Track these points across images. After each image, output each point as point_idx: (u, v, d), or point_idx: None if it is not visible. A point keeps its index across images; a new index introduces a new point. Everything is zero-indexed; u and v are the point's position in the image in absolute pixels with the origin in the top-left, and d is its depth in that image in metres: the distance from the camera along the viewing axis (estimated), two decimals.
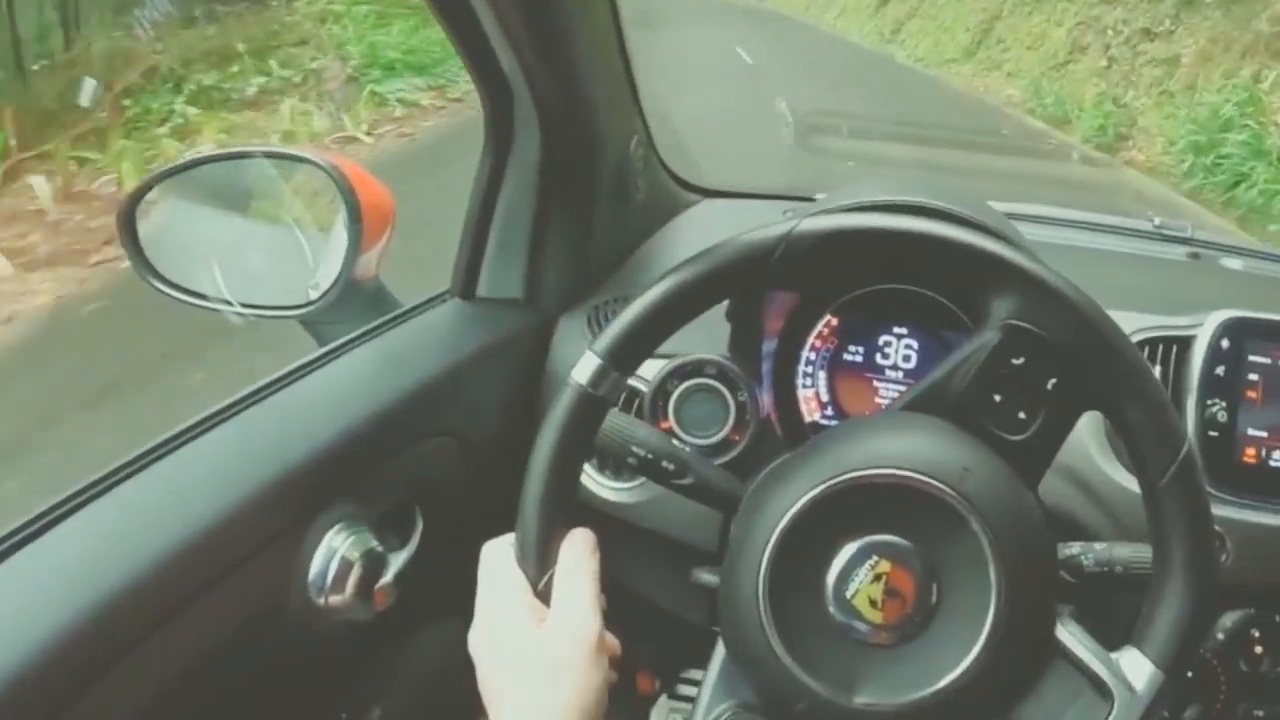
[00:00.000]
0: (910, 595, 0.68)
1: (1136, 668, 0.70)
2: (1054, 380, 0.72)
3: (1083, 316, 0.71)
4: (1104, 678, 0.69)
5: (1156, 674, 0.69)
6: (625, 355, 0.73)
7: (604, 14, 1.02)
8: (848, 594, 0.68)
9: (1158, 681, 0.69)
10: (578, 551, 0.72)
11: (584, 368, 0.72)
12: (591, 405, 0.72)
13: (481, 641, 0.71)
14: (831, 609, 0.68)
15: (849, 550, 0.69)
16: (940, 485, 0.68)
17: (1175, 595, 0.70)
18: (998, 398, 0.74)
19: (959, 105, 10.84)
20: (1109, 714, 0.69)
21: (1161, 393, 0.72)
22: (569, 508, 0.74)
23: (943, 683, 0.67)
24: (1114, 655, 0.70)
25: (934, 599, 0.68)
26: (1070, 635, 0.71)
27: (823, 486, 0.68)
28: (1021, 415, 0.74)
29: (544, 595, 0.72)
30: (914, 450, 0.70)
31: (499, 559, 0.74)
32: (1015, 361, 0.72)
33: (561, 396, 0.72)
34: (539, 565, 0.72)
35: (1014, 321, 0.72)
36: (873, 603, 0.68)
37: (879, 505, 0.69)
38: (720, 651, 0.74)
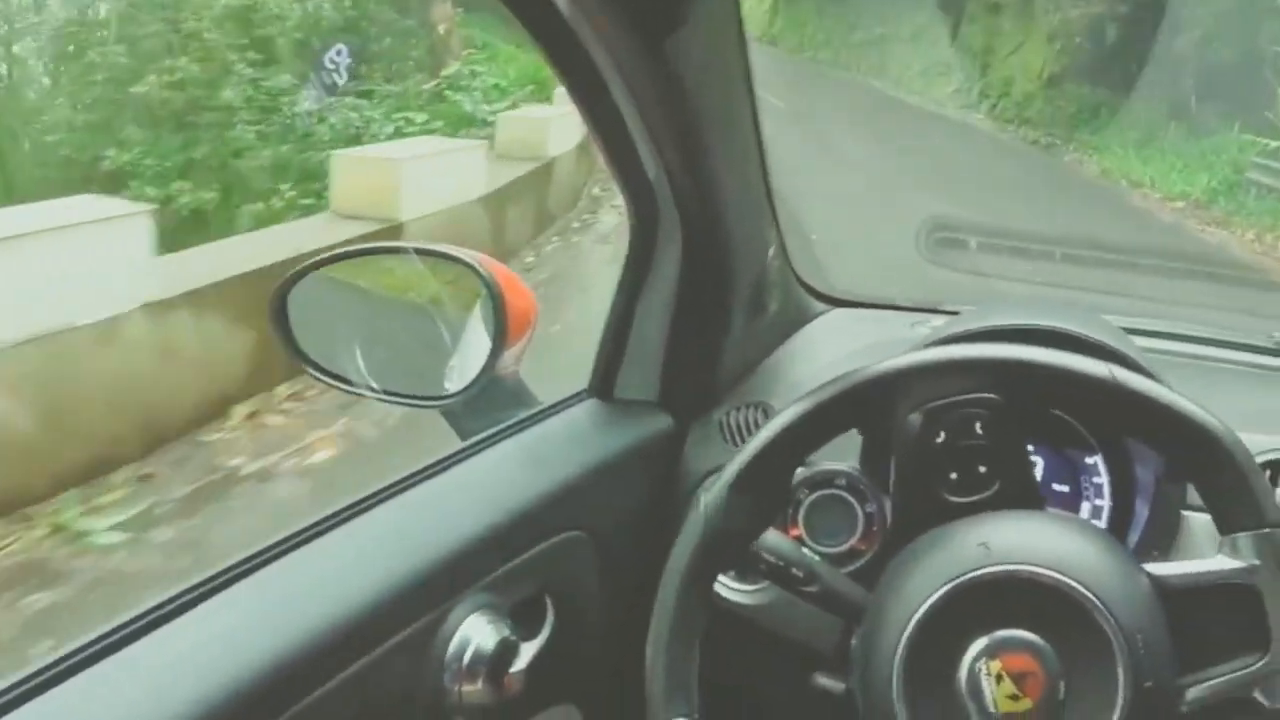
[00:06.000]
0: (1039, 692, 0.76)
1: (1243, 546, 0.78)
2: (979, 425, 0.85)
3: (951, 363, 0.85)
4: (1231, 580, 0.78)
5: (1262, 535, 0.78)
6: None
7: (748, 127, 1.12)
8: (987, 701, 0.77)
9: (1269, 539, 0.78)
10: None
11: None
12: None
13: None
14: (965, 702, 0.77)
15: (982, 642, 0.78)
16: (983, 571, 0.78)
17: (1209, 467, 0.80)
18: (954, 474, 0.86)
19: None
20: (1264, 603, 0.77)
21: (1053, 356, 0.83)
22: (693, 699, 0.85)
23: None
24: (1217, 557, 0.79)
25: (1060, 668, 0.77)
26: (1175, 574, 0.80)
27: (928, 604, 0.79)
28: (981, 470, 0.86)
29: None
30: (944, 559, 0.81)
31: None
32: (939, 439, 0.85)
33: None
34: None
35: (917, 410, 0.85)
36: (1012, 697, 0.76)
37: (1017, 602, 0.78)
38: None
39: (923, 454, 0.86)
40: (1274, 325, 1.46)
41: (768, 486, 0.87)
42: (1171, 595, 0.79)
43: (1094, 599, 0.76)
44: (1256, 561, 0.78)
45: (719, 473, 0.87)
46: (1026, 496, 0.87)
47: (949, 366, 0.84)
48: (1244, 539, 0.79)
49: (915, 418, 0.85)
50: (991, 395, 0.84)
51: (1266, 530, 0.78)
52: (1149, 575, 0.80)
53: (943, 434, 0.85)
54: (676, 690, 0.84)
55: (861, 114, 14.27)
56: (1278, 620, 0.77)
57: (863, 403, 0.86)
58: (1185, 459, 0.82)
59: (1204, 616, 0.79)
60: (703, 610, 0.86)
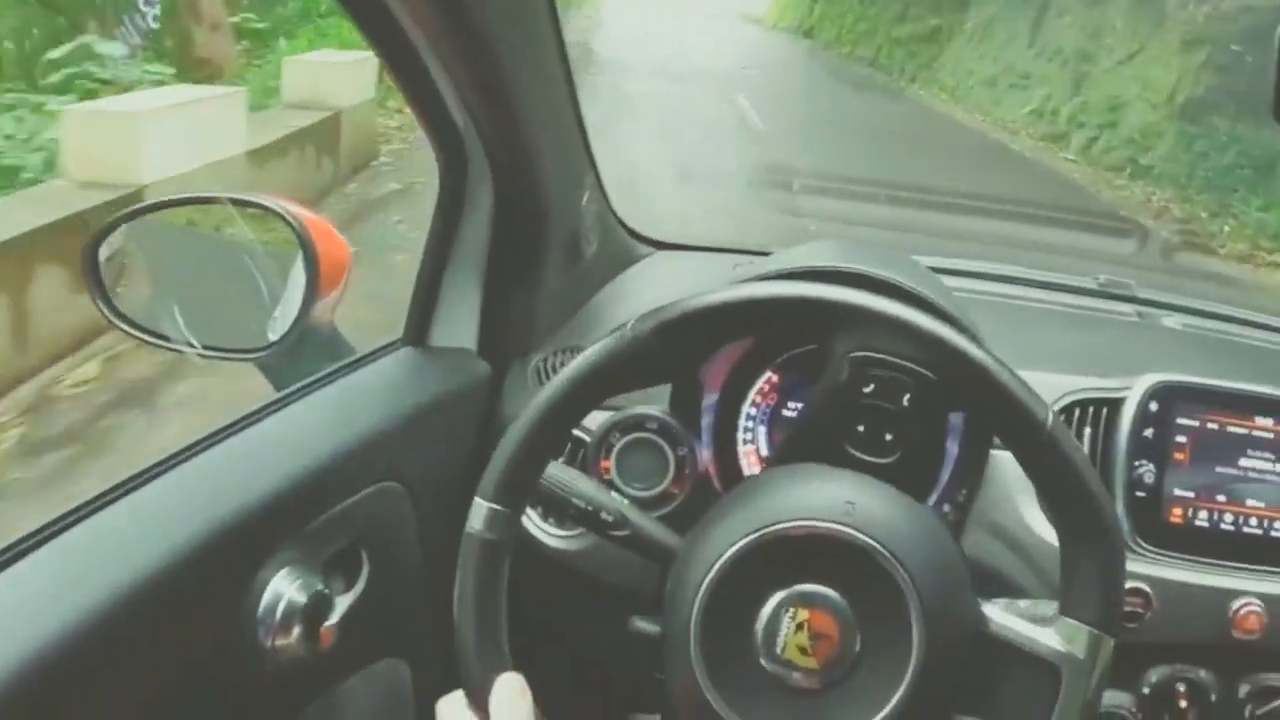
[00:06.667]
0: (836, 636, 0.77)
1: (1071, 634, 0.78)
2: (907, 396, 0.84)
3: (910, 326, 0.81)
4: (1044, 655, 0.78)
5: (1091, 635, 0.78)
6: (513, 491, 0.82)
7: (554, 69, 1.10)
8: (777, 646, 0.78)
9: (1098, 642, 0.78)
10: (505, 701, 0.80)
11: (476, 516, 0.82)
12: (494, 550, 0.82)
13: None
14: (764, 661, 0.78)
15: (773, 602, 0.78)
16: (832, 525, 0.78)
17: (1087, 552, 0.79)
18: (860, 428, 0.85)
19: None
20: (1060, 689, 0.77)
21: (1012, 379, 0.80)
22: (504, 650, 0.83)
23: (884, 711, 0.76)
24: (1046, 629, 0.79)
25: (858, 638, 0.78)
26: (999, 623, 0.80)
27: (740, 544, 0.78)
28: (888, 437, 0.85)
29: None
30: (800, 499, 0.81)
31: (454, 711, 0.82)
32: (866, 390, 0.84)
33: (464, 549, 0.82)
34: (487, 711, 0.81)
35: (854, 355, 0.83)
36: (802, 650, 0.77)
37: (792, 556, 0.79)
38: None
39: (845, 398, 0.86)
40: (1101, 268, 1.49)
41: (694, 341, 0.85)
42: (988, 637, 0.80)
43: (918, 599, 0.77)
44: (1081, 657, 0.78)
45: (661, 308, 0.84)
46: (920, 479, 0.88)
47: (908, 330, 0.81)
48: (1083, 633, 0.78)
49: (845, 362, 0.84)
50: (929, 374, 0.83)
51: (1100, 634, 0.78)
52: (979, 609, 0.80)
53: (872, 387, 0.85)
54: (518, 481, 0.83)
55: (882, 143, 9.30)
56: (1064, 709, 0.78)
57: (816, 319, 0.84)
58: (1073, 529, 0.81)
59: (1004, 666, 0.80)
60: (568, 430, 0.85)
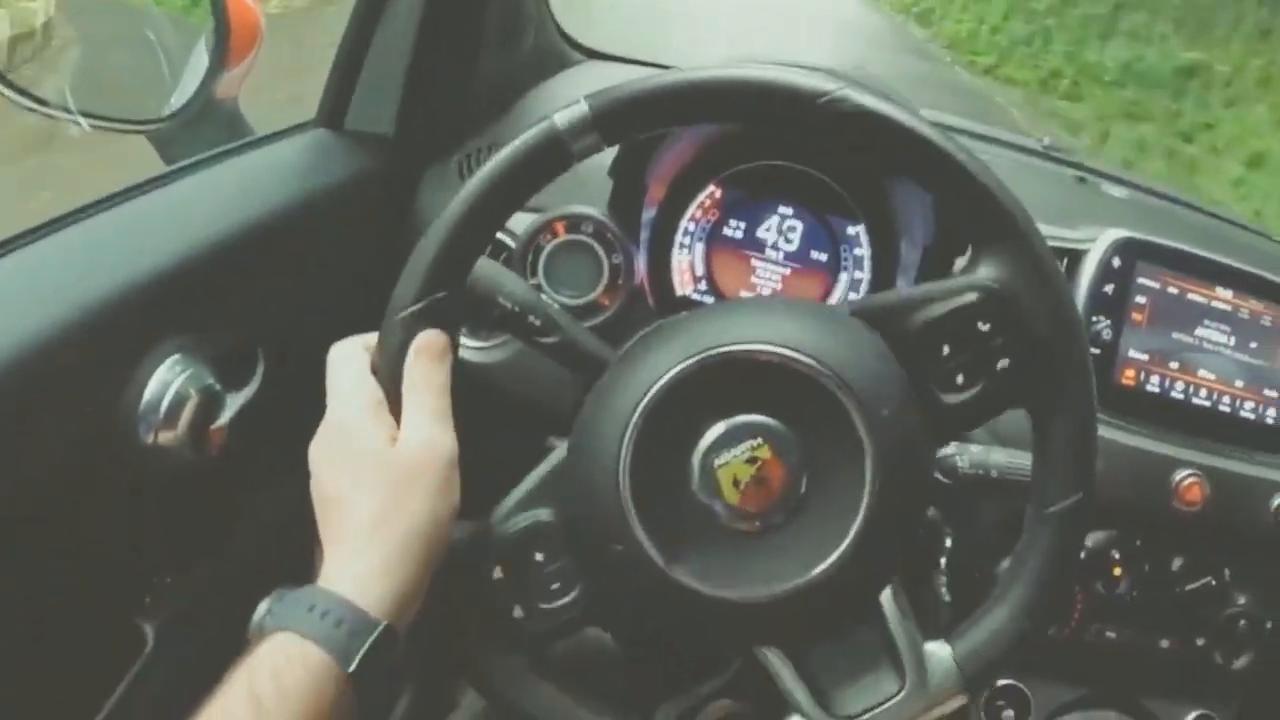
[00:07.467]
0: (779, 483, 0.68)
1: (939, 664, 0.71)
2: (1005, 363, 0.72)
3: (1063, 311, 0.71)
4: (904, 662, 0.70)
5: (955, 678, 0.71)
6: (616, 122, 0.70)
7: None
8: (715, 470, 0.68)
9: (952, 687, 0.70)
10: (426, 361, 0.69)
11: (569, 113, 0.69)
12: (554, 153, 0.69)
13: (323, 448, 0.68)
14: (695, 488, 0.68)
15: (722, 426, 0.69)
16: (832, 383, 0.68)
17: (1007, 613, 0.72)
18: (946, 349, 0.73)
19: None
20: (893, 698, 0.70)
21: (1093, 427, 0.72)
22: (462, 275, 0.71)
23: (790, 584, 0.67)
24: (927, 644, 0.71)
25: (802, 492, 0.69)
26: (892, 606, 0.71)
27: (710, 353, 0.68)
28: (959, 379, 0.73)
29: (398, 411, 0.69)
30: (849, 355, 0.70)
31: (351, 362, 0.71)
32: (981, 326, 0.72)
33: (529, 131, 0.69)
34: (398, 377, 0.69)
35: (998, 288, 0.71)
36: (736, 484, 0.68)
37: (763, 387, 0.69)
38: (553, 459, 0.74)
39: (954, 318, 0.72)
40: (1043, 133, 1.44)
41: (845, 145, 0.72)
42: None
43: (877, 480, 0.67)
44: (928, 687, 0.70)
45: (859, 82, 0.70)
46: (958, 430, 0.76)
47: (1058, 307, 0.70)
48: (952, 672, 0.70)
49: (981, 288, 0.71)
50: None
51: (960, 685, 0.71)
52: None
53: (988, 327, 0.71)
54: (627, 113, 0.70)
55: None
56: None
57: (990, 227, 0.72)
58: (1017, 590, 0.72)
59: (870, 642, 0.72)
60: (481, 237, 0.72)
